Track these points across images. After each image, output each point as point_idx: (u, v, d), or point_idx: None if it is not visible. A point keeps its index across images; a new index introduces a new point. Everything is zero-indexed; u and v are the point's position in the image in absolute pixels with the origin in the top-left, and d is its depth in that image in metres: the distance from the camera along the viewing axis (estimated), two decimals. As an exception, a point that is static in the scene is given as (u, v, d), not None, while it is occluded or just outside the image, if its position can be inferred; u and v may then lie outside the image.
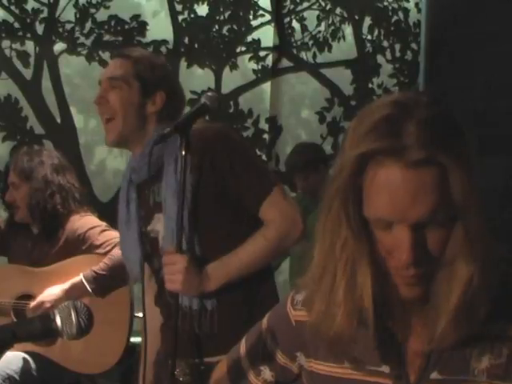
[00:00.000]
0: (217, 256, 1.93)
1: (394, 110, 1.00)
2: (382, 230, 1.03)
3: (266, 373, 1.30)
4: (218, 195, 1.94)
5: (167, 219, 1.96)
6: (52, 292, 2.85)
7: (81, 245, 2.91)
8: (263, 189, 1.94)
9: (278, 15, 4.68)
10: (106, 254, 2.87)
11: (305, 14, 4.80)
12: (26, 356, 2.83)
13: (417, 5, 5.05)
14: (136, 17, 4.40)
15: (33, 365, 2.83)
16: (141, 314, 3.03)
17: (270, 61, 4.81)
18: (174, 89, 2.11)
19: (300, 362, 1.25)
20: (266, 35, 4.80)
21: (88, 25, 4.29)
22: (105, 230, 2.95)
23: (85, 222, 2.97)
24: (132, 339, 3.02)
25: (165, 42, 4.45)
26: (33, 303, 2.86)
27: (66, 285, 2.85)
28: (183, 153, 1.84)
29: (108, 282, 2.85)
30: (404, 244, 0.99)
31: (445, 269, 1.03)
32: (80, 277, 2.84)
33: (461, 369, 1.07)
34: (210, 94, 1.97)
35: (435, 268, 1.03)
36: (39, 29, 4.21)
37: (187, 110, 1.92)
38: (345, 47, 4.91)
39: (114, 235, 2.93)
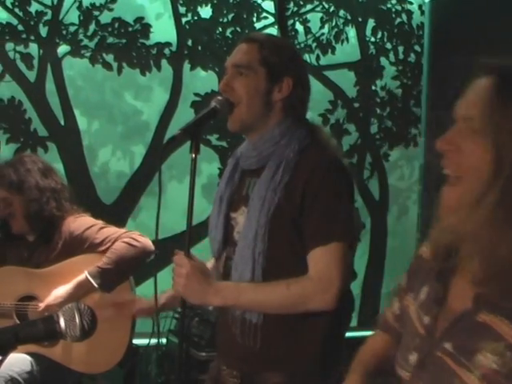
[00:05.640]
0: (272, 277, 1.85)
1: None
2: None
3: (395, 305, 1.42)
4: (292, 218, 1.85)
5: (248, 219, 1.90)
6: (58, 294, 2.83)
7: (80, 246, 2.89)
8: (323, 235, 1.82)
9: (282, 17, 4.67)
10: (107, 250, 2.86)
11: (308, 16, 4.78)
12: (29, 358, 2.82)
13: (420, 7, 5.03)
14: (139, 19, 4.38)
15: (36, 366, 2.83)
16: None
17: (273, 63, 4.79)
18: (301, 75, 1.99)
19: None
20: (270, 37, 4.79)
21: (92, 27, 4.28)
22: (102, 228, 2.93)
23: (80, 223, 2.95)
24: (134, 341, 3.02)
25: (168, 44, 4.44)
26: (40, 308, 2.85)
27: (71, 284, 2.84)
28: (193, 156, 1.81)
29: (113, 275, 2.84)
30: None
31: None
32: (85, 274, 2.82)
33: (468, 352, 1.09)
34: (219, 97, 1.93)
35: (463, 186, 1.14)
36: (43, 31, 4.20)
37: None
38: (348, 49, 4.89)
39: (112, 231, 2.92)
